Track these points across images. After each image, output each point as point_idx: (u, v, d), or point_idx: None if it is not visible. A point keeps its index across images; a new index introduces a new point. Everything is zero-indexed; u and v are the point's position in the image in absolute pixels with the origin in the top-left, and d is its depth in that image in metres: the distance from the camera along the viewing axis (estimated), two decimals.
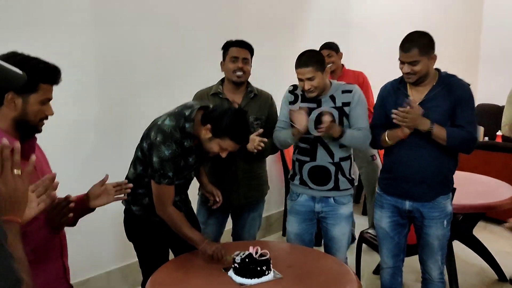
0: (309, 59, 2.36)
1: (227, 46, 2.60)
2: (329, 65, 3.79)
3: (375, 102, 4.00)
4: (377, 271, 3.33)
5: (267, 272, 1.98)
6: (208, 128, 2.04)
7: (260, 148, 2.39)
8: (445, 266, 2.58)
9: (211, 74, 2.72)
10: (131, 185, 1.80)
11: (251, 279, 1.94)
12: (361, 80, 3.83)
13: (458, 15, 6.13)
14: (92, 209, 1.74)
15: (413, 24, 5.21)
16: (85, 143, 2.97)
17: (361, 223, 4.20)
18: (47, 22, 2.68)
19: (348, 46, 4.06)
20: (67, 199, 1.55)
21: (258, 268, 1.95)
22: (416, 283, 3.28)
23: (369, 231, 3.29)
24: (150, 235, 2.27)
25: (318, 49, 3.76)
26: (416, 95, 2.37)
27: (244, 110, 2.18)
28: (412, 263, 3.28)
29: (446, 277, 2.65)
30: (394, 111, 2.24)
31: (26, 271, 1.00)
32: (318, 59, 2.39)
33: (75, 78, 2.79)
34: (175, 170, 2.10)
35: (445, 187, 2.45)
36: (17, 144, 1.09)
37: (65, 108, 2.68)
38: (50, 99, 1.56)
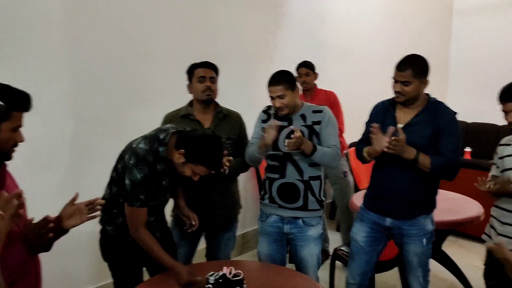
0: (280, 78, 2.46)
1: (192, 68, 2.65)
2: (306, 84, 3.90)
3: (344, 120, 4.13)
4: None
5: None
6: (181, 153, 2.06)
7: (224, 169, 2.39)
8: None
9: (188, 95, 2.74)
10: (102, 201, 1.74)
11: None
12: (332, 99, 3.94)
13: (428, 35, 6.31)
14: (66, 231, 1.67)
15: (385, 44, 5.41)
16: (59, 166, 2.94)
17: (336, 239, 4.25)
18: (18, 40, 2.66)
19: (320, 66, 4.14)
20: (46, 219, 1.54)
21: None
22: None
23: (343, 248, 3.33)
24: (125, 255, 2.27)
25: (293, 68, 3.86)
26: (403, 116, 2.43)
27: (218, 136, 2.19)
28: (385, 279, 3.34)
29: None
30: (387, 140, 2.28)
31: None
32: (289, 79, 2.48)
33: (47, 99, 2.78)
34: (147, 193, 2.11)
35: (426, 207, 2.50)
36: (5, 193, 1.25)
37: (38, 130, 2.66)
38: (21, 126, 1.55)
